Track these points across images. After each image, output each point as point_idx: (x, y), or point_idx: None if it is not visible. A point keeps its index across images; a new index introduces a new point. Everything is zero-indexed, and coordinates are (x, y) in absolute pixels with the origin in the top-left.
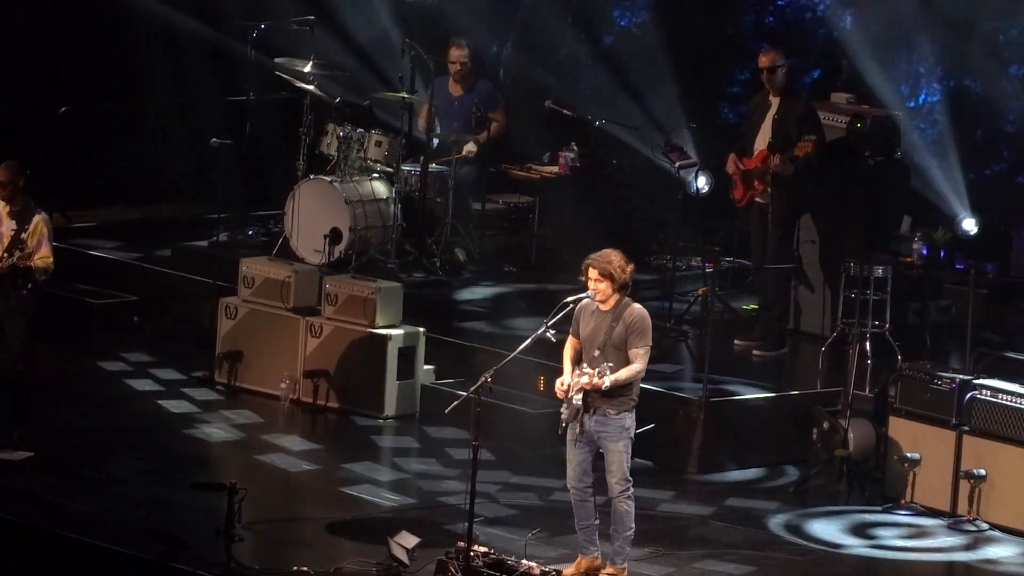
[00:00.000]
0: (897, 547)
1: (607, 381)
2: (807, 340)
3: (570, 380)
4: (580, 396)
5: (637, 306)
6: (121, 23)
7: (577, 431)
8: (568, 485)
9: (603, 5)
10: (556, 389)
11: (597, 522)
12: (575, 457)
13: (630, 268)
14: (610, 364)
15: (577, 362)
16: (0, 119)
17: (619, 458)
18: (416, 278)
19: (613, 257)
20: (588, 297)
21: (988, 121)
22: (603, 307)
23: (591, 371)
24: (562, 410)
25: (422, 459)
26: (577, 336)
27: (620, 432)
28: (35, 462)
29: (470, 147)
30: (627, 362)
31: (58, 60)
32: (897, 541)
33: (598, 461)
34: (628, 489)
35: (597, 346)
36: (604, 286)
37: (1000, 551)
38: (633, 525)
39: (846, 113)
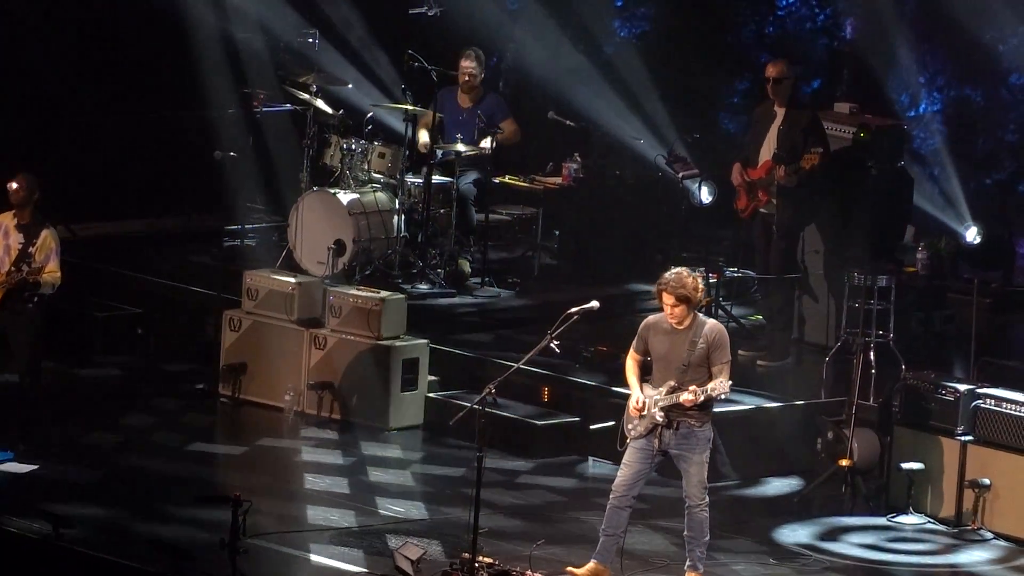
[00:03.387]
0: (900, 555)
1: (703, 396)
2: (811, 350)
3: (642, 397)
4: (662, 412)
5: (713, 322)
6: (125, 35)
7: (656, 445)
8: (613, 491)
9: (603, 16)
10: (631, 408)
11: (623, 535)
12: (635, 465)
13: (703, 285)
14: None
15: (641, 379)
16: (4, 132)
17: (700, 469)
18: (420, 289)
19: (687, 280)
20: (595, 307)
21: (988, 130)
22: (679, 326)
23: (695, 388)
24: (629, 426)
25: (426, 470)
26: (641, 353)
27: (704, 444)
28: (39, 475)
29: (487, 143)
30: (708, 377)
31: (61, 73)
32: (900, 549)
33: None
34: (707, 498)
35: (681, 363)
36: (681, 309)
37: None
38: (708, 532)
39: (850, 123)
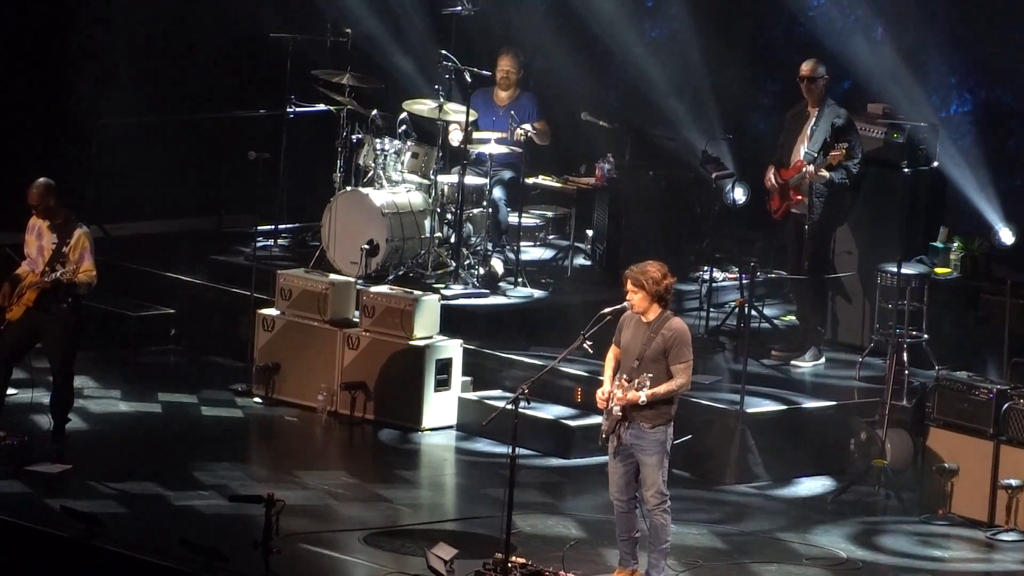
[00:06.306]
0: (933, 558)
1: (643, 396)
2: (844, 350)
3: (610, 390)
4: (619, 407)
5: (676, 320)
6: (158, 36)
7: (615, 443)
8: (611, 496)
9: (633, 17)
10: (596, 400)
11: (639, 535)
12: (617, 469)
13: (667, 281)
14: (650, 376)
15: (617, 372)
16: (38, 132)
17: (654, 472)
18: (453, 289)
19: (650, 269)
20: (627, 308)
21: (1020, 131)
22: (644, 318)
23: (627, 384)
24: (602, 421)
25: (459, 471)
26: (619, 345)
27: (655, 446)
28: (73, 475)
29: (526, 126)
30: (665, 375)
31: (94, 73)
32: (934, 551)
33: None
34: (664, 503)
35: (635, 357)
36: (639, 297)
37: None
38: (669, 539)
39: (883, 124)
